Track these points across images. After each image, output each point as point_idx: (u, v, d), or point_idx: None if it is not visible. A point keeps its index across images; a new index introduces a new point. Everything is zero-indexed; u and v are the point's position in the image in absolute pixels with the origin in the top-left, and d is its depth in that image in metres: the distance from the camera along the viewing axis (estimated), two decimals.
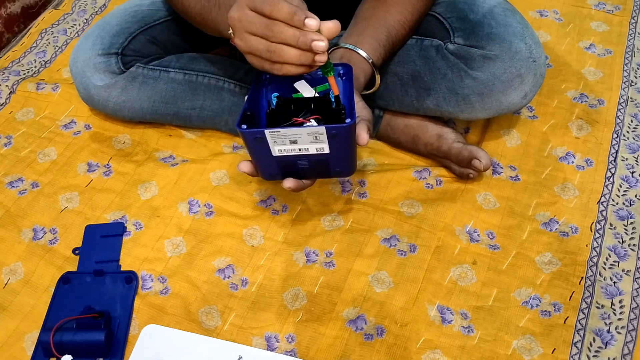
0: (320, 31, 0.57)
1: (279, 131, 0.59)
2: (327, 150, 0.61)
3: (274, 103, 0.66)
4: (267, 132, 0.59)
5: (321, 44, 0.57)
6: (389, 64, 0.83)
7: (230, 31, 0.62)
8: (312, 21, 0.56)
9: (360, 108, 0.67)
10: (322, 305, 0.74)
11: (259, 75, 0.69)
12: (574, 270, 0.76)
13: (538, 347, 0.70)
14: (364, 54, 0.74)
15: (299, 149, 0.61)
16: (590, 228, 0.80)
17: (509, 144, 0.91)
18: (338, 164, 0.65)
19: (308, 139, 0.60)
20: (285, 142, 0.60)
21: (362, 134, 0.63)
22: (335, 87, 0.63)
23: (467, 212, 0.82)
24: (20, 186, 0.88)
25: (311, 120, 0.64)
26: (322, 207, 0.84)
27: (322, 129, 0.58)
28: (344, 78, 0.69)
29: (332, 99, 0.65)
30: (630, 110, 0.95)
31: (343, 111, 0.64)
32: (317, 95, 0.67)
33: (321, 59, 0.58)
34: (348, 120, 0.58)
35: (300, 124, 0.63)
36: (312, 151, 0.61)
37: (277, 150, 0.61)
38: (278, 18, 0.56)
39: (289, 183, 0.66)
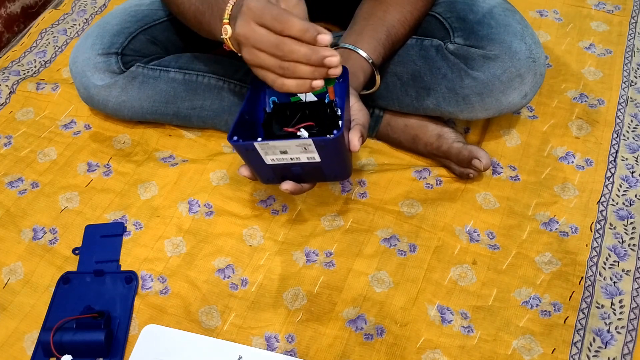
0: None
1: (268, 143, 0.59)
2: (318, 159, 0.62)
3: (271, 107, 0.67)
4: (256, 144, 0.60)
5: (334, 60, 0.56)
6: (389, 63, 0.83)
7: (224, 36, 0.61)
8: (325, 37, 0.55)
9: (357, 110, 0.67)
10: (322, 305, 0.74)
11: (258, 79, 0.69)
12: (574, 270, 0.76)
13: (538, 347, 0.70)
14: (363, 53, 0.74)
15: (291, 158, 0.62)
16: (590, 228, 0.80)
17: (509, 144, 0.91)
18: (332, 170, 0.65)
19: (298, 150, 0.60)
20: (276, 152, 0.61)
21: (354, 140, 0.63)
22: (333, 95, 0.64)
23: (467, 212, 0.82)
24: (20, 186, 0.88)
25: (301, 130, 0.64)
26: (322, 207, 0.84)
27: (310, 141, 0.58)
28: (340, 81, 0.69)
29: (327, 102, 0.65)
30: (630, 110, 0.95)
31: (338, 113, 0.65)
32: (312, 99, 0.67)
33: (336, 72, 0.58)
34: (335, 132, 0.58)
35: (291, 134, 0.64)
36: (304, 160, 0.62)
37: (269, 159, 0.62)
38: (290, 35, 0.56)
39: (286, 185, 0.66)
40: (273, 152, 0.61)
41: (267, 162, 0.63)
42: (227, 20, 0.60)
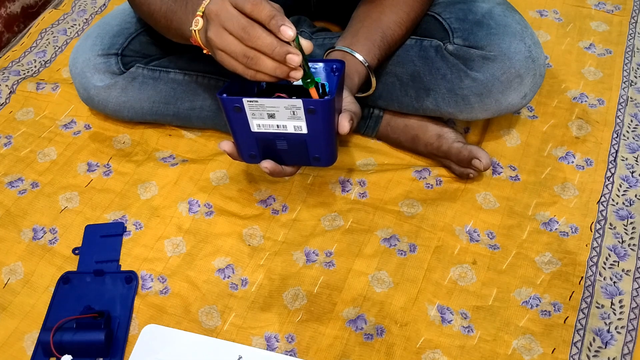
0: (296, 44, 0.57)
1: (257, 101, 0.59)
2: (305, 130, 0.61)
3: (263, 86, 0.67)
4: (245, 100, 0.59)
5: (295, 58, 0.55)
6: (389, 64, 0.83)
7: (193, 27, 0.61)
8: (288, 30, 0.55)
9: (348, 102, 0.68)
10: (322, 305, 0.74)
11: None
12: (573, 270, 0.76)
13: (538, 347, 0.70)
14: (359, 56, 0.74)
15: (277, 125, 0.61)
16: (590, 228, 0.80)
17: (509, 144, 0.91)
18: (317, 148, 0.64)
19: (286, 114, 0.59)
20: (263, 115, 0.60)
21: (344, 121, 0.63)
22: (316, 97, 0.63)
23: (467, 212, 0.82)
24: (20, 186, 0.88)
25: (293, 97, 0.64)
26: (322, 207, 0.84)
27: (300, 102, 0.58)
28: (336, 74, 0.69)
29: (320, 84, 0.65)
30: (630, 110, 0.95)
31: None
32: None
33: (296, 75, 0.57)
34: (327, 97, 0.58)
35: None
36: (290, 129, 0.61)
37: (255, 125, 0.61)
38: (257, 18, 0.55)
39: (266, 164, 0.66)
40: (260, 114, 0.60)
41: (253, 129, 0.62)
42: (201, 13, 0.60)
